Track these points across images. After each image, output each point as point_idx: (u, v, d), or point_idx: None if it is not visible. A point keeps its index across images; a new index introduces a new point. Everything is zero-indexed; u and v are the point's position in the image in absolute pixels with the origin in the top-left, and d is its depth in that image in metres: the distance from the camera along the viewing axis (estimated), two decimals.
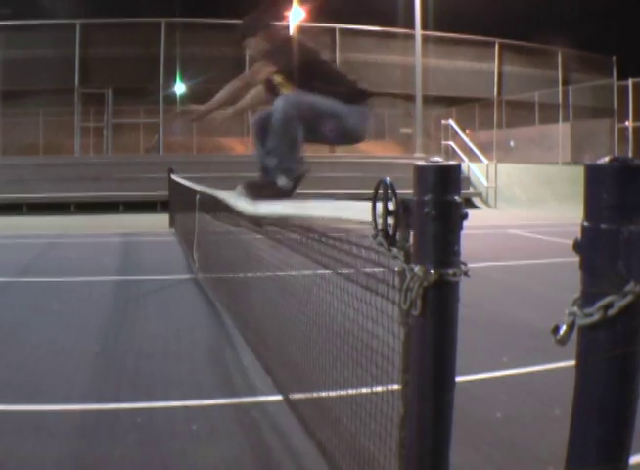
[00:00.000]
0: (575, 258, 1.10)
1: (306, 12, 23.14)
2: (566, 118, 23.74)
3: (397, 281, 1.63)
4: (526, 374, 3.78)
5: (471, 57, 24.19)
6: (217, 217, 5.68)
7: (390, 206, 1.57)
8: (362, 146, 23.86)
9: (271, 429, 3.00)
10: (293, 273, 3.65)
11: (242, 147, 22.76)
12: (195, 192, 6.95)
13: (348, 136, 4.14)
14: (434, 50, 23.21)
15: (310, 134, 3.91)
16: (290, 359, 3.38)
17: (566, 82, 25.20)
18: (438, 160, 1.50)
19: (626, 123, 22.49)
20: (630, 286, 1.02)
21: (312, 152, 22.93)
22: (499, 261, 8.20)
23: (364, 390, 2.16)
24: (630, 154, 20.99)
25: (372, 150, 23.63)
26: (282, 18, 21.08)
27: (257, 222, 3.88)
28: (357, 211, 1.89)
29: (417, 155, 19.29)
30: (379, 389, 1.95)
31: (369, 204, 1.67)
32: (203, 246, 6.78)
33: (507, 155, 22.29)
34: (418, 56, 20.33)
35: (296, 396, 3.09)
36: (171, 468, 2.65)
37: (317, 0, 22.62)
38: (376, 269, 1.89)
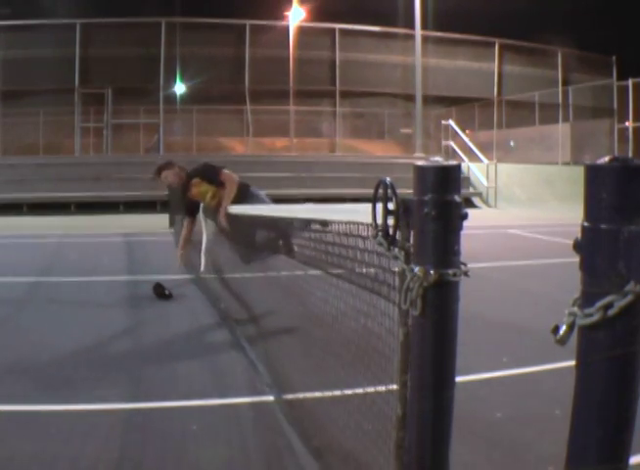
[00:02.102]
0: (575, 258, 1.10)
1: (306, 12, 23.15)
2: (566, 118, 23.72)
3: (397, 281, 1.63)
4: (526, 374, 3.78)
5: (471, 57, 24.18)
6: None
7: (391, 206, 1.57)
8: (362, 146, 23.90)
9: (270, 429, 3.00)
10: (294, 273, 3.65)
11: (242, 147, 22.75)
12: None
13: None
14: (434, 50, 23.20)
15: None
16: (289, 360, 3.38)
17: (566, 82, 25.18)
18: (438, 160, 1.50)
19: (626, 123, 22.46)
20: (630, 286, 1.02)
21: (313, 151, 22.78)
22: (499, 261, 8.20)
23: (362, 390, 2.16)
24: (630, 154, 20.96)
25: (372, 150, 23.63)
26: None
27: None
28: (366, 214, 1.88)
29: (417, 155, 19.28)
30: (377, 389, 1.95)
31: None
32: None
33: (507, 155, 22.29)
34: (418, 56, 20.33)
35: (295, 396, 3.09)
36: (171, 468, 2.65)
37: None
38: (374, 269, 1.89)
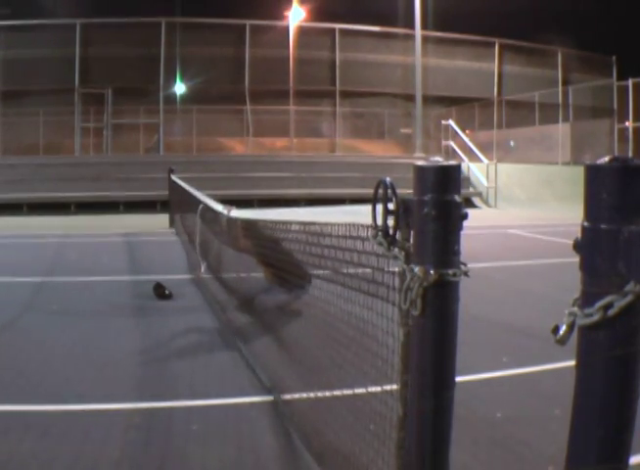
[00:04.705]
0: (575, 258, 1.10)
1: (306, 12, 23.15)
2: (566, 118, 23.72)
3: (397, 282, 1.63)
4: (526, 374, 3.78)
5: (471, 57, 24.17)
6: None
7: (391, 206, 1.57)
8: (362, 146, 23.89)
9: (270, 429, 3.00)
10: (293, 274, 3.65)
11: (242, 147, 22.75)
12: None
13: None
14: (434, 50, 23.20)
15: None
16: (289, 360, 3.38)
17: (566, 82, 25.17)
18: (438, 160, 1.50)
19: (626, 123, 22.46)
20: (630, 286, 1.02)
21: (313, 151, 22.73)
22: (499, 261, 8.20)
23: (362, 390, 2.16)
24: (630, 154, 20.96)
25: (372, 150, 23.63)
26: None
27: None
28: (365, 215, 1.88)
29: (417, 155, 19.28)
30: (377, 389, 1.95)
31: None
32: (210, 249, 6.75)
33: (507, 155, 22.28)
34: (418, 56, 20.33)
35: (295, 396, 3.09)
36: (171, 468, 2.65)
37: None
38: (370, 269, 1.89)
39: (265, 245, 4.52)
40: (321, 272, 2.69)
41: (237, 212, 5.00)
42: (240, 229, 4.98)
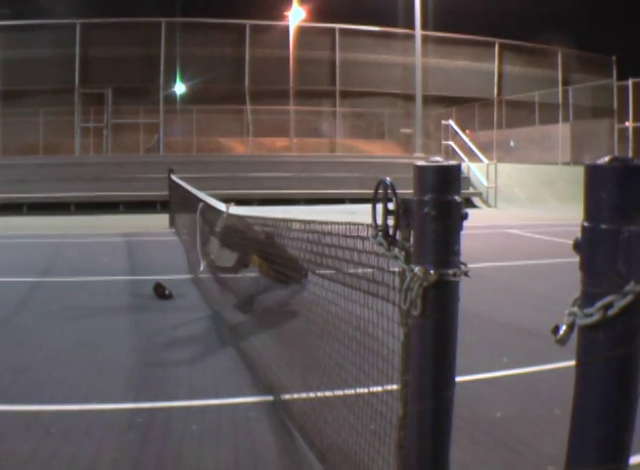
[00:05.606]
0: (575, 258, 1.09)
1: (306, 12, 23.15)
2: (566, 118, 23.72)
3: (397, 281, 1.63)
4: (526, 374, 3.78)
5: (471, 57, 24.18)
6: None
7: (391, 206, 1.57)
8: (362, 146, 23.90)
9: (270, 429, 3.00)
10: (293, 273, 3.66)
11: (242, 147, 22.75)
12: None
13: None
14: (434, 50, 23.20)
15: None
16: (289, 359, 3.38)
17: (566, 82, 25.18)
18: (438, 160, 1.50)
19: (626, 123, 22.46)
20: (630, 286, 1.02)
21: (313, 151, 22.71)
22: (499, 261, 8.19)
23: (362, 390, 2.16)
24: (630, 154, 20.97)
25: (372, 150, 23.63)
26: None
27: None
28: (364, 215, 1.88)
29: (417, 155, 19.28)
30: (378, 389, 1.95)
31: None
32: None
33: (507, 155, 22.28)
34: (418, 56, 20.33)
35: (295, 396, 3.09)
36: (171, 468, 2.65)
37: None
38: (370, 270, 1.89)
39: (261, 240, 4.55)
40: (321, 271, 2.69)
41: (235, 209, 5.01)
42: (237, 224, 5.01)
